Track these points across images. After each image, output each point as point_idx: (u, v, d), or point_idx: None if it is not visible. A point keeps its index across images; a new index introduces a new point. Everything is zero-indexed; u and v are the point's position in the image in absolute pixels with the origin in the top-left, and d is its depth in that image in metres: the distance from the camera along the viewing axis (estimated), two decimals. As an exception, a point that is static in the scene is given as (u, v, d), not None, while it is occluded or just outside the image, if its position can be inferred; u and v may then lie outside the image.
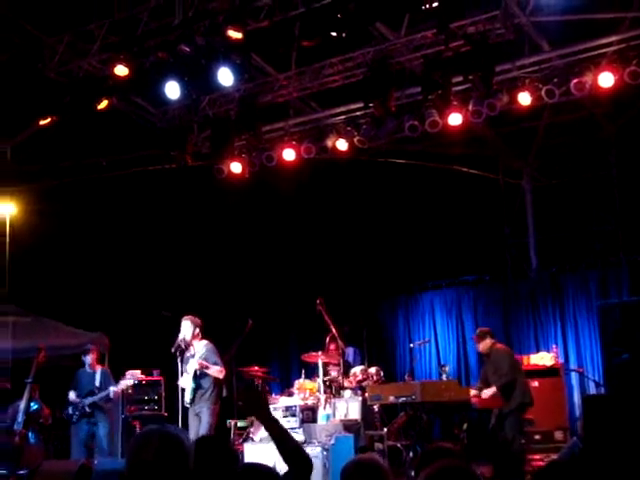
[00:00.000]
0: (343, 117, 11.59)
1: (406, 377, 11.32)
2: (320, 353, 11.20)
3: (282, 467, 3.16)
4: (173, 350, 9.19)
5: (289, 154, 11.57)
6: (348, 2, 8.43)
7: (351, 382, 11.01)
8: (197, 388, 9.12)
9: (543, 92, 9.96)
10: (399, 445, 9.75)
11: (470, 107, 10.19)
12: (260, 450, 9.16)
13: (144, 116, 11.95)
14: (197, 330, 9.34)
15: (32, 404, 9.84)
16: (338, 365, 11.39)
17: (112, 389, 10.07)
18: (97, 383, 10.18)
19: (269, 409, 3.15)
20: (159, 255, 14.10)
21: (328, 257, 14.52)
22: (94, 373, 10.31)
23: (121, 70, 9.44)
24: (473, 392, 9.63)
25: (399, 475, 9.05)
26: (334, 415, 10.40)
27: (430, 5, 8.24)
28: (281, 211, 14.31)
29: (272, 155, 11.65)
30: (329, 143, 11.37)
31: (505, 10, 9.35)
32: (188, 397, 9.17)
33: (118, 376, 10.32)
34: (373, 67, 9.96)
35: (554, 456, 9.44)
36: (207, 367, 9.10)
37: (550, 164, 14.02)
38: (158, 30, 9.57)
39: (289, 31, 9.59)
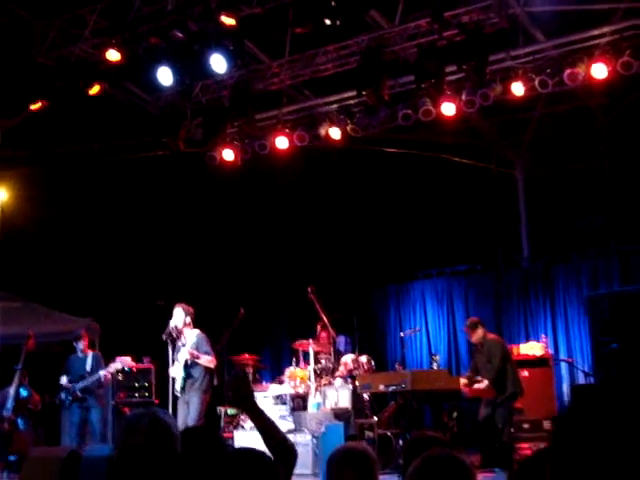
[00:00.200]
0: (336, 105, 11.56)
1: (397, 366, 11.36)
2: (311, 341, 11.22)
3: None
4: (164, 337, 9.16)
5: (282, 142, 11.53)
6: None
7: (342, 371, 11.03)
8: (187, 377, 9.10)
9: (536, 82, 9.95)
10: (389, 433, 9.78)
11: (463, 97, 10.17)
12: (251, 437, 9.19)
13: (137, 102, 11.89)
14: (189, 318, 9.30)
15: (21, 390, 9.83)
16: (329, 353, 11.42)
17: (102, 372, 10.06)
18: (88, 367, 10.16)
19: (255, 401, 3.14)
20: (150, 242, 14.06)
21: (320, 245, 14.52)
22: (85, 358, 10.29)
23: (113, 55, 9.39)
24: (463, 381, 9.66)
25: (389, 463, 9.09)
26: (324, 403, 10.44)
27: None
28: (273, 199, 14.29)
29: (265, 143, 11.61)
30: (322, 131, 11.34)
31: (499, 0, 9.33)
32: (179, 386, 9.15)
33: (109, 363, 10.31)
34: (367, 55, 9.92)
35: (542, 445, 9.49)
36: (198, 357, 9.08)
37: (543, 154, 14.04)
38: (151, 15, 9.52)
39: (282, 18, 9.55)
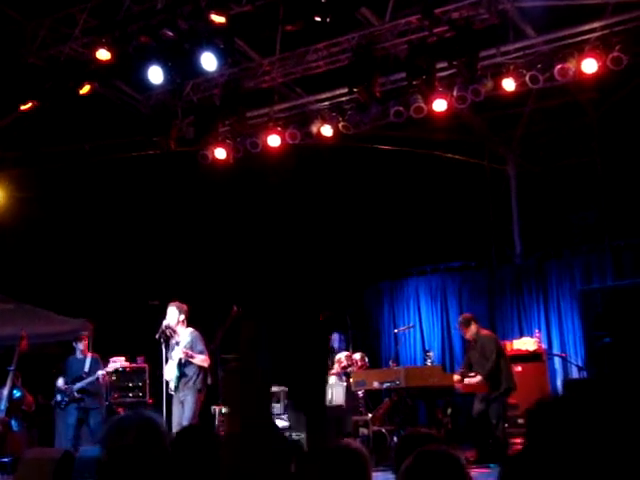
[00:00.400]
0: (328, 103, 11.56)
1: (390, 363, 11.36)
2: (305, 339, 11.20)
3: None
4: (157, 336, 9.14)
5: (274, 140, 11.52)
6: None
7: (336, 368, 11.03)
8: (181, 376, 9.08)
9: (527, 78, 9.96)
10: (384, 430, 9.79)
11: (455, 93, 10.19)
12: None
13: (127, 101, 11.86)
14: (182, 316, 9.27)
15: (15, 391, 9.80)
16: (323, 351, 11.40)
17: (100, 373, 10.07)
18: (86, 369, 10.16)
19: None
20: (143, 241, 14.03)
21: (313, 243, 14.50)
22: (84, 359, 10.29)
23: (103, 54, 9.36)
24: (456, 377, 9.68)
25: (384, 460, 9.09)
26: (319, 401, 10.42)
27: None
28: (265, 197, 14.27)
29: (257, 141, 11.60)
30: (314, 129, 11.34)
31: (489, -5, 9.34)
32: (172, 385, 9.13)
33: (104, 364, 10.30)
34: (358, 52, 9.92)
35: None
36: (192, 356, 9.04)
37: (534, 150, 14.06)
38: (140, 14, 9.49)
39: (273, 15, 9.54)
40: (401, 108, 10.60)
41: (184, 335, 9.19)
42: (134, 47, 9.44)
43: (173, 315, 9.23)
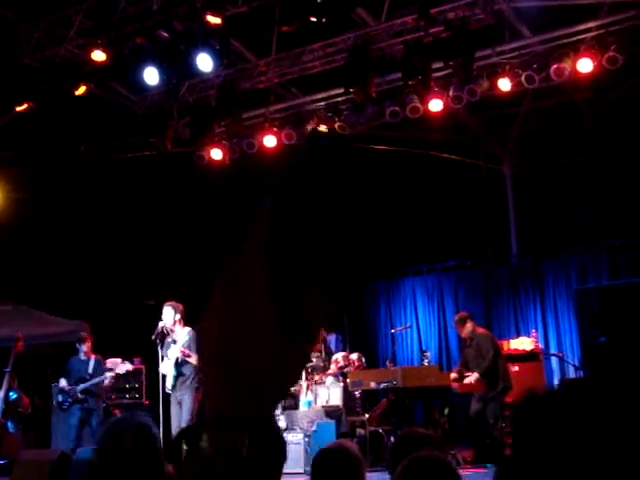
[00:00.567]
0: (324, 103, 11.56)
1: (387, 363, 11.36)
2: (302, 340, 11.20)
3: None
4: (153, 337, 9.13)
5: (270, 140, 11.52)
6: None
7: (333, 369, 11.03)
8: (178, 375, 9.07)
9: (523, 78, 9.98)
10: (381, 430, 9.78)
11: (450, 93, 10.20)
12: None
13: (123, 102, 11.85)
14: (179, 316, 9.25)
15: (11, 393, 9.77)
16: (320, 351, 11.41)
17: (108, 374, 10.09)
18: (90, 370, 10.17)
19: None
20: (139, 242, 14.01)
21: (310, 242, 14.46)
22: (88, 361, 10.28)
23: (99, 56, 9.37)
24: (453, 375, 9.70)
25: (380, 460, 9.09)
26: (316, 401, 10.43)
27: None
28: (261, 197, 14.23)
29: (253, 142, 11.60)
30: (310, 129, 11.34)
31: (485, -4, 9.36)
32: (169, 383, 9.12)
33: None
34: (353, 53, 9.94)
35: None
36: (189, 355, 9.03)
37: (530, 150, 14.07)
38: (136, 15, 9.50)
39: (268, 16, 9.54)
40: (397, 108, 10.60)
41: (182, 334, 9.17)
42: (129, 48, 9.45)
43: (169, 315, 9.21)
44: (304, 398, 10.51)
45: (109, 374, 10.09)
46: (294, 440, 9.33)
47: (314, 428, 9.45)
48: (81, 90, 9.89)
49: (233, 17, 9.38)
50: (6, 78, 10.24)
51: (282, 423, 9.85)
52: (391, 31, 10.06)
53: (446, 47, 9.45)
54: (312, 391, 10.55)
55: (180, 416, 8.97)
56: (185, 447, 1.18)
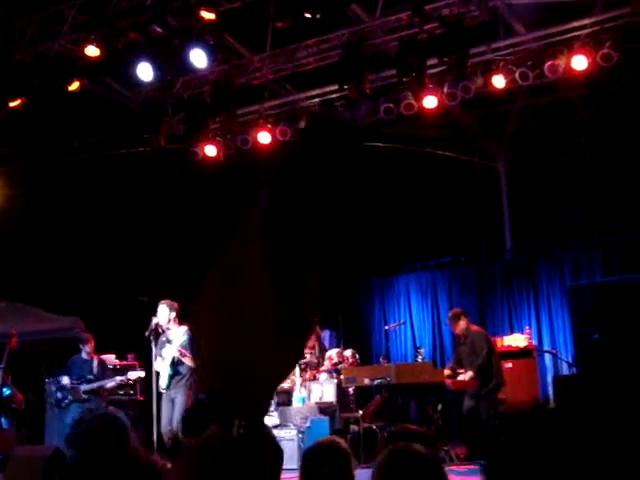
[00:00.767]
0: (318, 100, 11.54)
1: (381, 359, 11.37)
2: (295, 336, 11.20)
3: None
4: (147, 334, 9.11)
5: (264, 137, 11.50)
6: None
7: (327, 365, 11.04)
8: (174, 375, 9.03)
9: (517, 75, 9.97)
10: (374, 427, 9.79)
11: (445, 90, 10.19)
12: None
13: (117, 98, 11.81)
14: (173, 314, 9.22)
15: (4, 389, 9.75)
16: (313, 348, 11.41)
17: (119, 378, 10.12)
18: (95, 371, 10.17)
19: None
20: (132, 238, 13.98)
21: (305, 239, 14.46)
22: (91, 361, 10.28)
23: (92, 51, 9.33)
24: (447, 372, 9.71)
25: (375, 457, 9.09)
26: (309, 398, 10.44)
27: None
28: (255, 194, 14.21)
29: (247, 138, 11.58)
30: (304, 126, 11.30)
31: (480, -8, 9.35)
32: (164, 383, 9.09)
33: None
34: (348, 49, 9.92)
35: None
36: (185, 355, 9.00)
37: (525, 147, 14.09)
38: (129, 10, 9.46)
39: (263, 12, 9.52)
40: (391, 105, 10.59)
41: (178, 333, 9.13)
42: (123, 44, 9.41)
43: (164, 313, 9.19)
44: (298, 394, 10.52)
45: (119, 378, 10.10)
46: (287, 436, 9.33)
47: (308, 424, 9.45)
48: (74, 86, 9.86)
49: (227, 12, 9.36)
50: (-1, 74, 10.21)
51: (275, 419, 9.86)
52: (385, 27, 10.05)
53: (441, 44, 9.44)
54: (306, 387, 10.56)
55: (171, 413, 8.96)
56: (182, 435, 1.16)
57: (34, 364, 10.78)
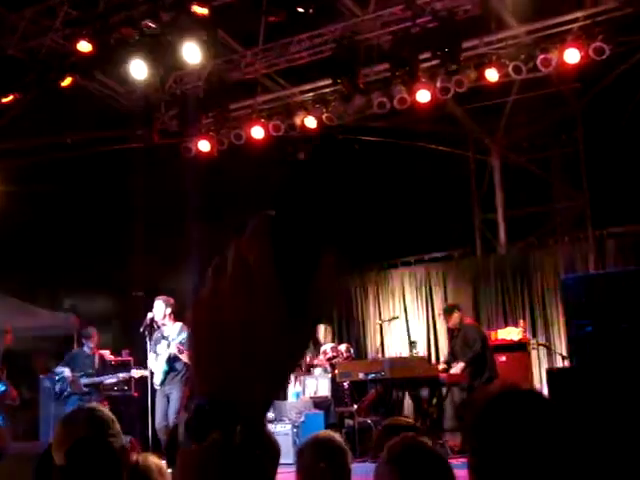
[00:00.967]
0: (311, 94, 11.53)
1: (375, 354, 11.40)
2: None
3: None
4: (142, 329, 9.12)
5: (258, 132, 11.49)
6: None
7: (321, 359, 11.06)
8: (170, 371, 9.03)
9: (510, 68, 9.98)
10: (369, 421, 9.82)
11: (438, 84, 10.20)
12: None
13: (109, 94, 11.78)
14: (169, 309, 9.21)
15: (-1, 385, 9.76)
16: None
17: (122, 375, 10.16)
18: (96, 366, 10.22)
19: None
20: (128, 234, 13.96)
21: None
22: (93, 356, 10.32)
23: (84, 46, 9.31)
24: (441, 366, 9.74)
25: (369, 450, 9.12)
26: (304, 392, 10.46)
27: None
28: (248, 189, 14.20)
29: (240, 133, 11.57)
30: (297, 120, 11.32)
31: (472, -14, 9.36)
32: (159, 379, 9.09)
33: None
34: (341, 44, 9.92)
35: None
36: (183, 352, 8.97)
37: (518, 141, 14.10)
38: (122, 5, 9.43)
39: (255, 6, 9.51)
40: (385, 99, 10.59)
41: (174, 330, 9.11)
42: (116, 39, 9.39)
43: (160, 309, 9.17)
44: (292, 389, 10.54)
45: (122, 374, 10.14)
46: (282, 431, 9.36)
47: (302, 419, 9.48)
48: (67, 81, 9.84)
49: (220, 7, 9.34)
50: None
51: (270, 414, 9.87)
52: (378, 22, 10.04)
53: (433, 37, 9.45)
54: (300, 382, 10.58)
55: (165, 409, 8.95)
56: (181, 435, 1.15)
57: (29, 360, 10.77)
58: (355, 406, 10.18)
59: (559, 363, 12.38)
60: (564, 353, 12.25)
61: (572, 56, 9.56)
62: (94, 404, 2.82)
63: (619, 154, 12.54)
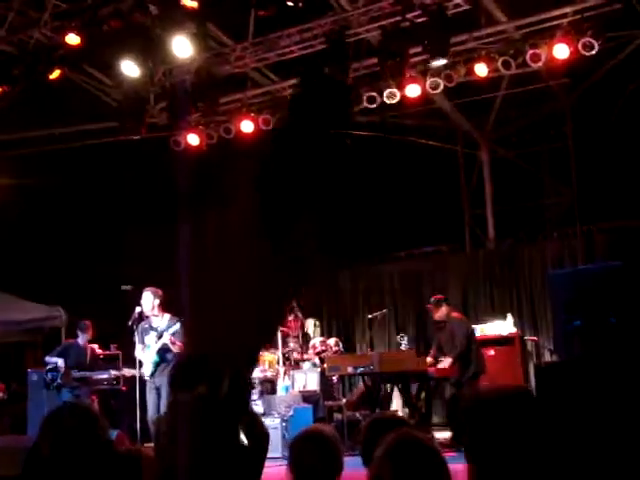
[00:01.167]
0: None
1: (365, 348, 11.42)
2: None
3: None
4: (130, 323, 9.08)
5: (247, 126, 11.47)
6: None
7: (310, 354, 11.07)
8: (160, 362, 8.98)
9: (499, 63, 10.00)
10: (358, 415, 9.84)
11: (427, 78, 10.20)
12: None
13: (98, 87, 11.73)
14: (157, 301, 9.13)
15: (-14, 379, 9.75)
16: (297, 337, 11.44)
17: (114, 373, 10.16)
18: (87, 360, 10.22)
19: None
20: (116, 227, 13.92)
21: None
22: (85, 349, 10.31)
23: (73, 39, 9.25)
24: (429, 359, 9.77)
25: (357, 444, 9.14)
26: (293, 386, 10.47)
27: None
28: (237, 183, 14.18)
29: (230, 127, 11.55)
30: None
31: (462, -19, 9.35)
32: (148, 370, 9.05)
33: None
34: (330, 38, 9.89)
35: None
36: (175, 343, 8.92)
37: (507, 136, 14.13)
38: (111, -2, 9.38)
39: (245, 0, 9.47)
40: (374, 93, 10.59)
41: (164, 321, 9.05)
42: (105, 32, 9.34)
43: (148, 300, 9.12)
44: (281, 383, 10.55)
45: (114, 372, 10.14)
46: (271, 425, 9.35)
47: (291, 413, 9.48)
48: (55, 74, 9.78)
49: (209, 0, 9.30)
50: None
51: (259, 408, 9.88)
52: (368, 16, 10.03)
53: (423, 32, 9.45)
54: (289, 376, 10.59)
55: (157, 402, 8.92)
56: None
57: (16, 353, 10.74)
58: (344, 400, 10.20)
59: (547, 358, 12.45)
60: (552, 347, 12.32)
61: (561, 51, 9.57)
62: (81, 400, 2.82)
63: (608, 150, 12.58)
